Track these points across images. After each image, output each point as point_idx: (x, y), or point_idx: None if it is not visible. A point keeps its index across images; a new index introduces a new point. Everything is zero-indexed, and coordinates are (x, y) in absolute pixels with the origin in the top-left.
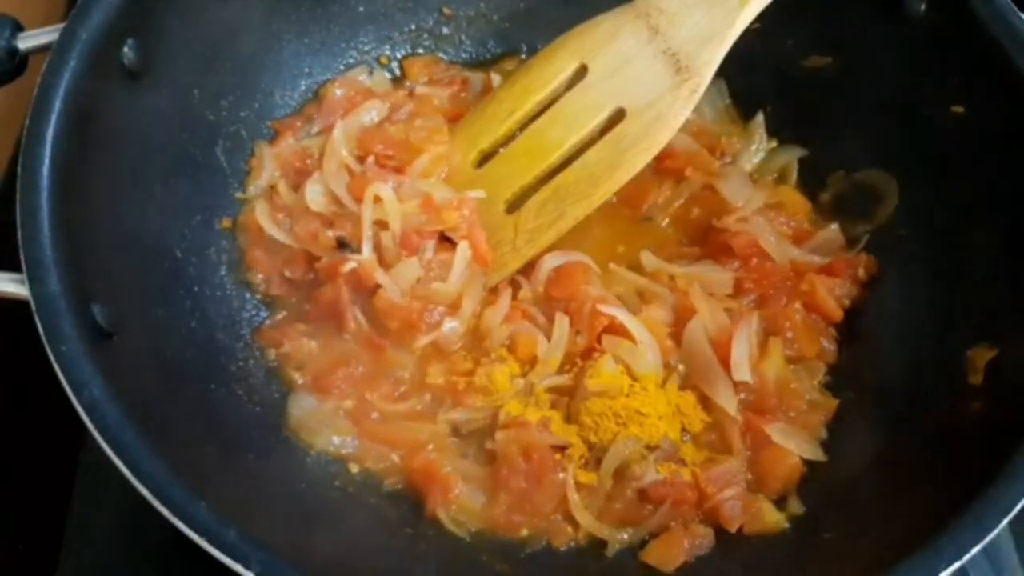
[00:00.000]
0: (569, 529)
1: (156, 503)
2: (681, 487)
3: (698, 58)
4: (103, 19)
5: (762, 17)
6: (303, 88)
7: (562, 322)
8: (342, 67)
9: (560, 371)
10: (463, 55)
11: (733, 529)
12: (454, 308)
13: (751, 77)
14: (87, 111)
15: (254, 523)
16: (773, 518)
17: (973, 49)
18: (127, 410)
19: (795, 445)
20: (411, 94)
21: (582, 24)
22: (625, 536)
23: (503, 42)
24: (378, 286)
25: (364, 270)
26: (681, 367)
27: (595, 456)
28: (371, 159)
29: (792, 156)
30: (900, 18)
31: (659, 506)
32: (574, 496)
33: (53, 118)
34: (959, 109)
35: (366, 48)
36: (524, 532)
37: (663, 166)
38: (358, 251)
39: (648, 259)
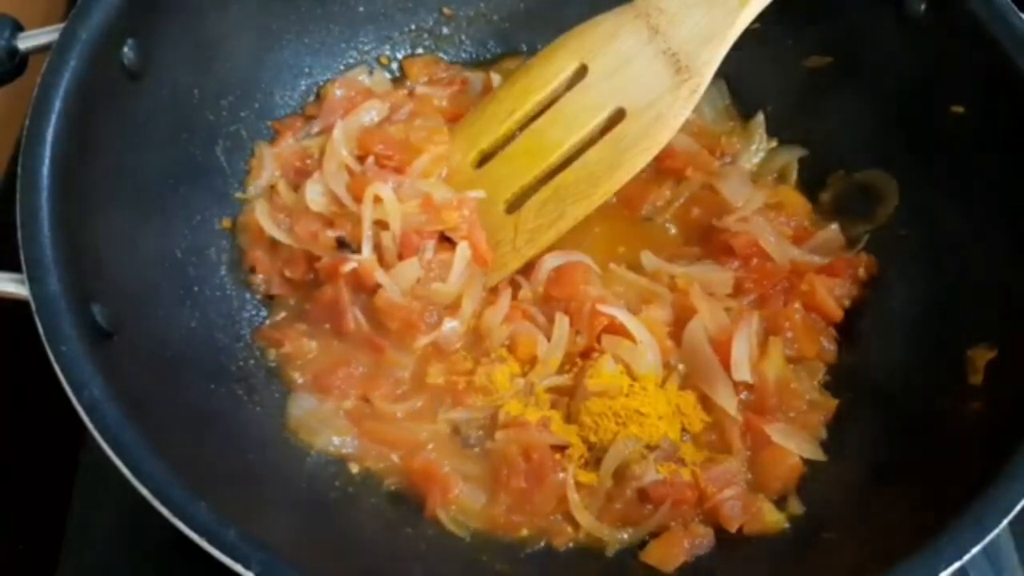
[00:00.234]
0: (569, 529)
1: (156, 503)
2: (681, 487)
3: (698, 58)
4: (103, 19)
5: (762, 17)
6: (303, 88)
7: (562, 322)
8: (342, 67)
9: (560, 371)
10: (463, 55)
11: (733, 529)
12: (454, 308)
13: (751, 77)
14: (87, 111)
15: (254, 523)
16: (773, 518)
17: (973, 49)
18: (127, 410)
19: (795, 445)
20: (411, 94)
21: (582, 24)
22: (625, 536)
23: (503, 42)
24: (378, 286)
25: (364, 270)
26: (681, 367)
27: (595, 456)
28: (371, 159)
29: (792, 156)
30: (900, 18)
31: (659, 506)
32: (574, 496)
33: (53, 118)
34: (959, 109)
35: (366, 48)
36: (524, 532)
37: (663, 166)
38: (358, 251)
39: (648, 259)
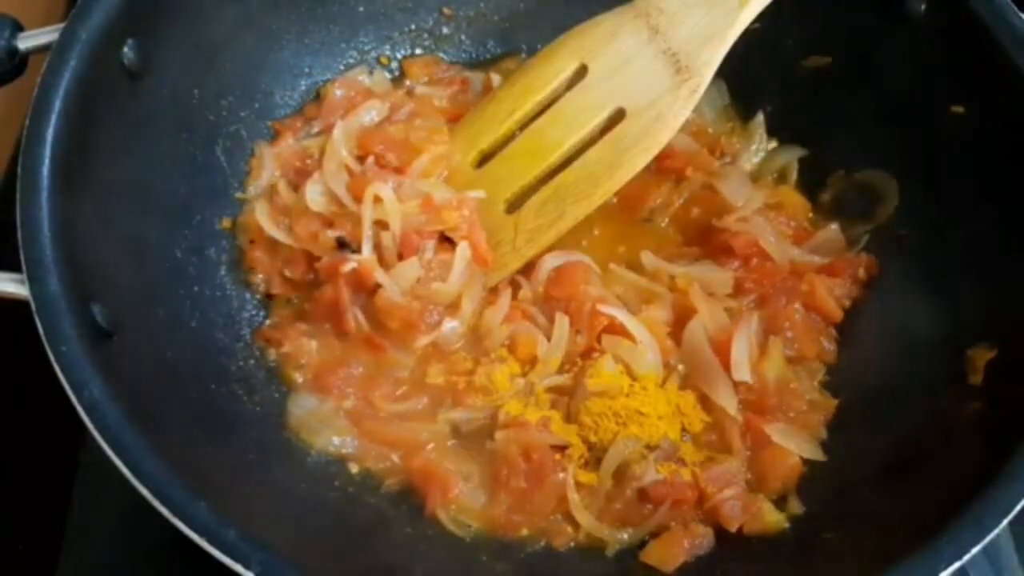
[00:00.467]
0: (569, 529)
1: (156, 503)
2: (681, 487)
3: (698, 58)
4: (103, 19)
5: (762, 17)
6: (303, 88)
7: (562, 322)
8: (342, 67)
9: (560, 371)
10: (463, 55)
11: (733, 529)
12: (454, 308)
13: (751, 77)
14: (87, 111)
15: (254, 523)
16: (773, 518)
17: (973, 49)
18: (127, 410)
19: (795, 445)
20: (411, 94)
21: (582, 24)
22: (625, 536)
23: (503, 42)
24: (378, 286)
25: (364, 270)
26: (681, 367)
27: (595, 456)
28: (371, 159)
29: (792, 156)
30: (900, 18)
31: (659, 506)
32: (574, 496)
33: (53, 118)
34: (959, 109)
35: (366, 48)
36: (524, 532)
37: (663, 166)
38: (358, 251)
39: (648, 259)
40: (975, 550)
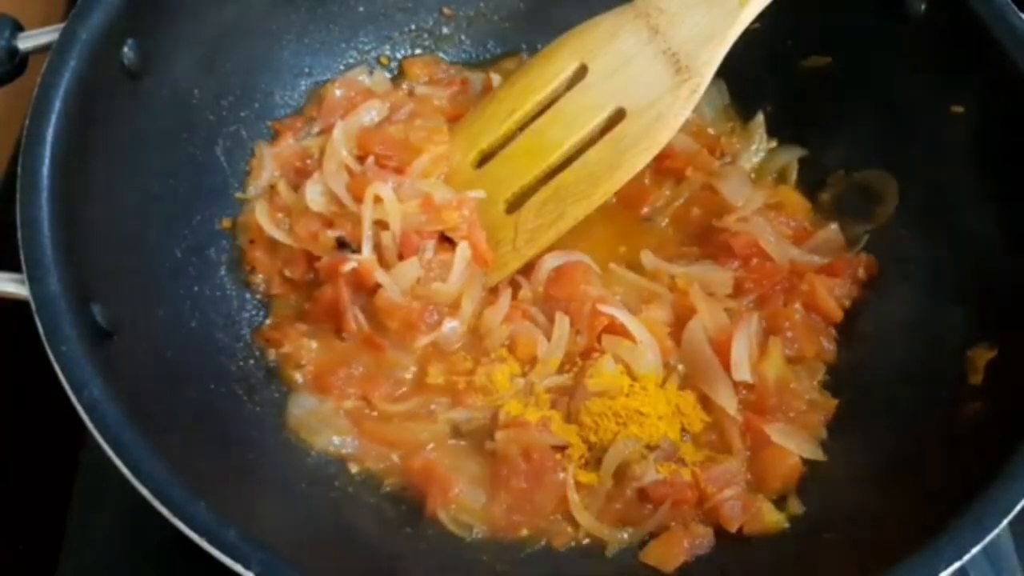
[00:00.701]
0: (569, 529)
1: (156, 503)
2: (681, 487)
3: (698, 58)
4: (103, 19)
5: (762, 17)
6: (303, 88)
7: (562, 322)
8: (342, 67)
9: (560, 371)
10: (463, 55)
11: (733, 529)
12: (454, 308)
13: (751, 77)
14: (87, 111)
15: (254, 523)
16: (773, 518)
17: (973, 49)
18: (127, 410)
19: (795, 445)
20: (411, 94)
21: (582, 24)
22: (625, 536)
23: (503, 42)
24: (378, 286)
25: (364, 270)
26: (681, 367)
27: (595, 456)
28: (371, 159)
29: (792, 156)
30: (900, 18)
31: (659, 506)
32: (574, 496)
33: (53, 118)
34: (959, 109)
35: (366, 48)
36: (524, 532)
37: (663, 166)
38: (358, 251)
39: (648, 259)
40: (975, 550)
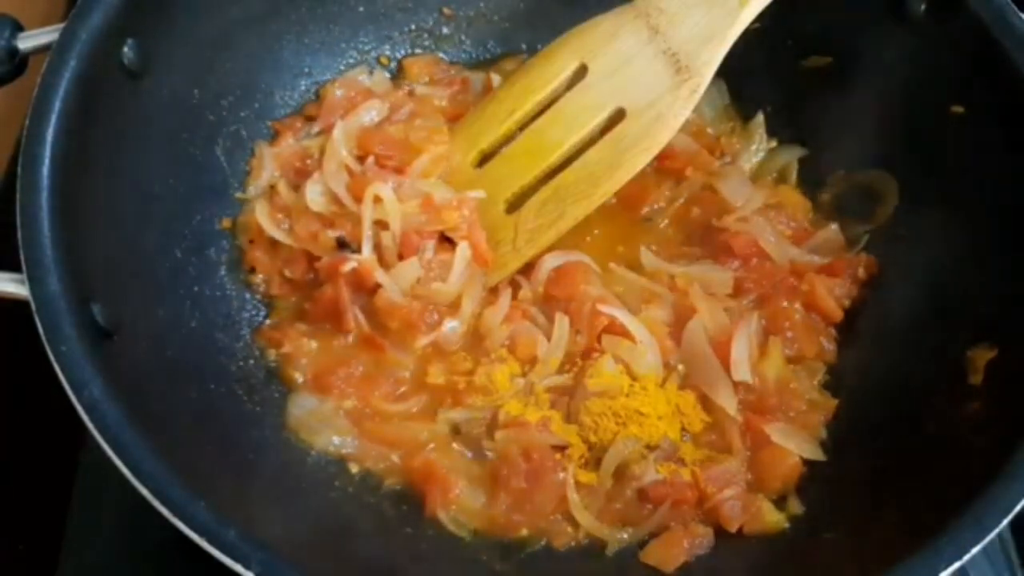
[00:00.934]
0: (569, 529)
1: (156, 503)
2: (681, 487)
3: (698, 58)
4: (103, 19)
5: (762, 17)
6: (303, 88)
7: (562, 322)
8: (342, 67)
9: (560, 371)
10: (463, 55)
11: (733, 529)
12: (454, 308)
13: (751, 77)
14: (87, 111)
15: (254, 523)
16: (773, 518)
17: (973, 49)
18: (127, 410)
19: (795, 445)
20: (411, 94)
21: (582, 24)
22: (625, 536)
23: (503, 42)
24: (378, 286)
25: (364, 270)
26: (681, 367)
27: (595, 456)
28: (371, 159)
29: (792, 156)
30: (900, 18)
31: (659, 506)
32: (574, 496)
33: (53, 118)
34: (959, 109)
35: (366, 48)
36: (524, 532)
37: (663, 166)
38: (358, 251)
39: (648, 259)
40: (975, 550)
